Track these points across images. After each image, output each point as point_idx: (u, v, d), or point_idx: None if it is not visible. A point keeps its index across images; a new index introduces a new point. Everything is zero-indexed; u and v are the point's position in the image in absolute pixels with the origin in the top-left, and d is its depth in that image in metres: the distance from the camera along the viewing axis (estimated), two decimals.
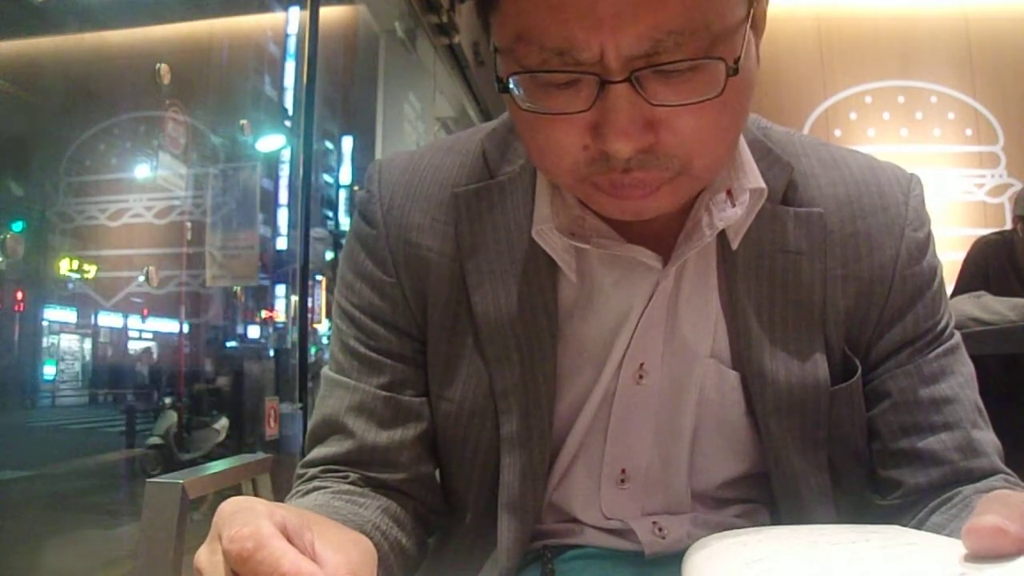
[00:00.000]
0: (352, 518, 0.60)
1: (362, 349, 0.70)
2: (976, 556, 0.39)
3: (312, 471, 0.68)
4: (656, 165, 0.54)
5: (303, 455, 0.71)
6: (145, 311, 3.19)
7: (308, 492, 0.65)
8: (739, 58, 0.52)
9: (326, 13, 3.94)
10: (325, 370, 0.72)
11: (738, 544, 0.48)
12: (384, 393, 0.68)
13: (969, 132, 4.92)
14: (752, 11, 0.54)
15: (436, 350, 0.69)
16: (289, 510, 0.43)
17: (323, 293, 4.62)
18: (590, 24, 0.49)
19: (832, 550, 0.44)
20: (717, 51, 0.51)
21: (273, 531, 0.39)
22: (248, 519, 0.40)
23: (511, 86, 0.54)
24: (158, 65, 2.42)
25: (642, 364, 0.67)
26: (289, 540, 0.40)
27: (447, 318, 0.68)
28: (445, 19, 3.89)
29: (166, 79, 2.44)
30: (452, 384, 0.69)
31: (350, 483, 0.66)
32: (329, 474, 0.67)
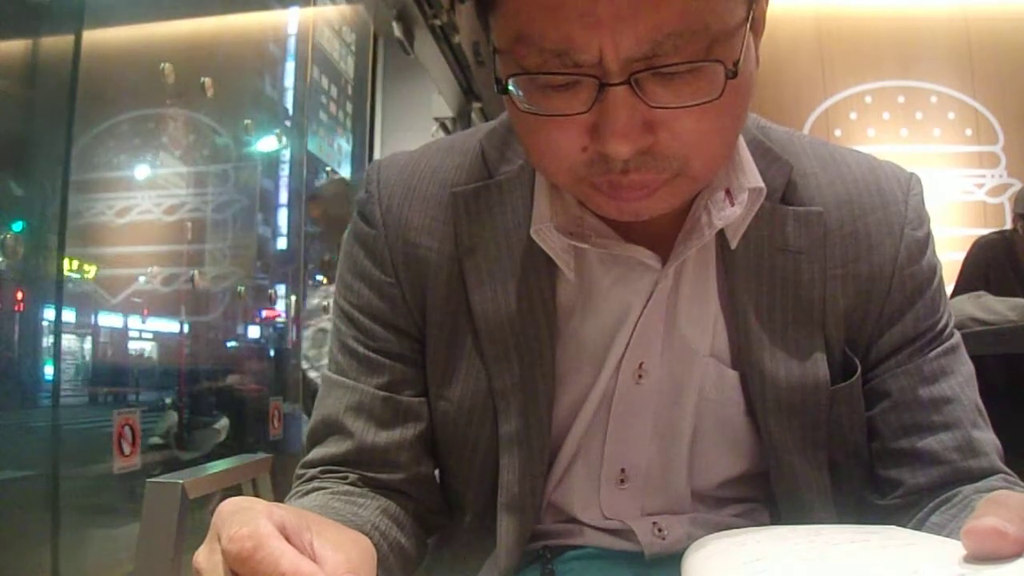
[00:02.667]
0: (351, 518, 0.60)
1: (361, 349, 0.69)
2: (975, 557, 0.39)
3: (311, 471, 0.68)
4: (654, 167, 0.54)
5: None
6: (146, 311, 3.16)
7: (307, 493, 0.65)
8: (738, 61, 0.52)
9: (326, 13, 3.95)
10: (324, 370, 0.72)
11: (737, 544, 0.48)
12: (383, 393, 0.68)
13: (969, 132, 4.93)
14: (751, 12, 0.54)
15: (435, 350, 0.69)
16: (288, 510, 0.43)
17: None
18: (589, 25, 0.49)
19: (830, 550, 0.44)
20: (716, 53, 0.51)
21: (272, 531, 0.39)
22: (247, 519, 0.40)
23: (510, 87, 0.54)
24: (162, 64, 2.43)
25: (641, 363, 0.67)
26: (288, 540, 0.40)
27: (446, 318, 0.68)
28: (445, 19, 3.90)
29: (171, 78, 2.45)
30: (451, 383, 0.69)
31: (349, 483, 0.66)
32: (328, 474, 0.67)
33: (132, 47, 2.47)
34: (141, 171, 2.62)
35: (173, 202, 2.84)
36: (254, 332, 3.72)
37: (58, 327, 2.01)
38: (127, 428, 1.96)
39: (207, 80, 2.58)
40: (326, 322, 2.90)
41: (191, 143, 2.95)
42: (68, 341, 2.17)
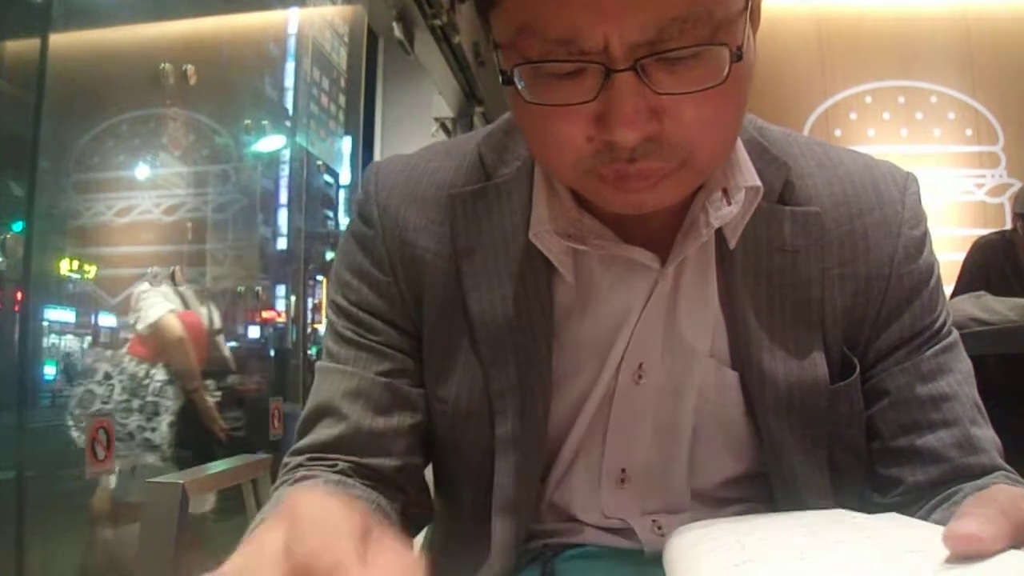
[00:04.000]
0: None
1: (359, 339, 0.69)
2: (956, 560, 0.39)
3: (298, 459, 0.66)
4: (660, 155, 0.54)
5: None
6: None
7: (295, 481, 0.63)
8: (742, 45, 0.52)
9: (327, 13, 3.94)
10: (319, 363, 0.71)
11: (725, 547, 0.48)
12: (383, 379, 0.68)
13: (969, 132, 4.92)
14: (749, 2, 0.54)
15: (432, 350, 0.69)
16: (364, 516, 0.38)
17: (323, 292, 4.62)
18: (593, 12, 0.49)
19: (821, 547, 0.44)
20: (720, 38, 0.51)
21: (350, 552, 0.35)
22: (330, 537, 0.35)
23: (514, 79, 0.54)
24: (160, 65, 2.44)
25: (641, 364, 0.67)
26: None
27: (443, 319, 0.68)
28: (445, 19, 3.90)
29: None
30: (447, 384, 0.69)
31: (338, 472, 0.65)
32: (316, 462, 0.66)
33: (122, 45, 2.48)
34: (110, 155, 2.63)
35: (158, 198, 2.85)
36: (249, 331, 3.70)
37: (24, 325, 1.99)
38: (101, 432, 1.87)
39: (190, 67, 2.58)
40: (95, 385, 2.76)
41: (190, 143, 2.95)
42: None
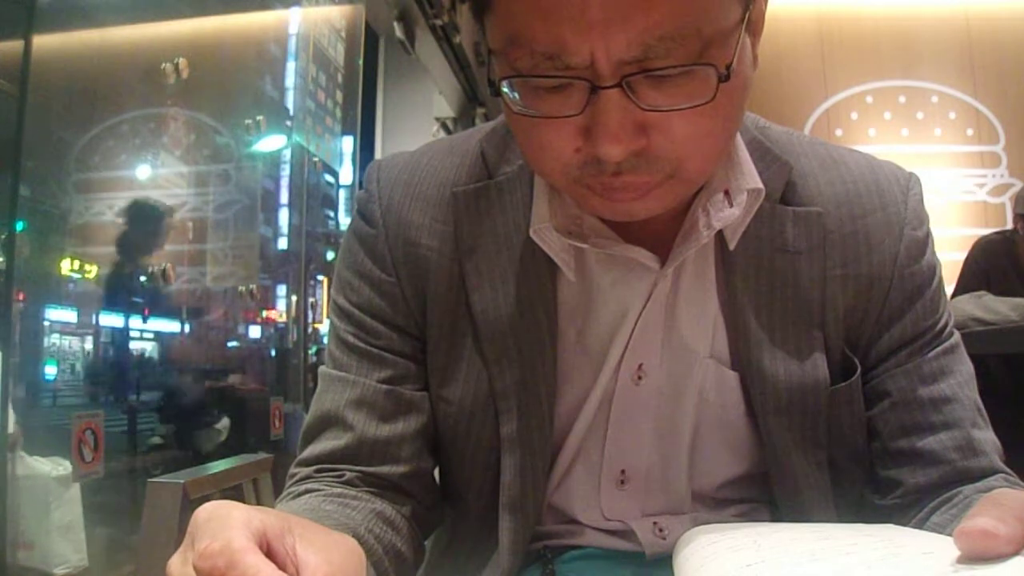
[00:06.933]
0: (345, 521, 0.59)
1: (362, 345, 0.69)
2: (968, 559, 0.39)
3: (306, 470, 0.67)
4: (647, 169, 0.54)
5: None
6: (146, 310, 3.14)
7: (299, 495, 0.64)
8: (731, 64, 0.51)
9: (327, 11, 3.94)
10: (322, 368, 0.71)
11: (733, 549, 0.48)
12: (385, 387, 0.68)
13: (970, 132, 4.92)
14: (748, 14, 0.53)
15: (436, 350, 0.69)
16: (270, 514, 0.41)
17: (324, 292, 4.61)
18: (580, 28, 0.49)
19: (826, 552, 0.44)
20: (709, 56, 0.50)
21: (246, 544, 0.38)
22: (219, 531, 0.38)
23: (504, 89, 0.54)
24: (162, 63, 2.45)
25: (641, 365, 0.67)
26: (269, 546, 0.39)
27: (446, 318, 0.68)
28: (446, 19, 3.90)
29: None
30: (452, 384, 0.68)
31: (344, 482, 0.65)
32: (324, 473, 0.66)
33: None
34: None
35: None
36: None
37: None
38: (88, 432, 1.80)
39: (182, 61, 2.58)
40: None
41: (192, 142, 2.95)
42: None
